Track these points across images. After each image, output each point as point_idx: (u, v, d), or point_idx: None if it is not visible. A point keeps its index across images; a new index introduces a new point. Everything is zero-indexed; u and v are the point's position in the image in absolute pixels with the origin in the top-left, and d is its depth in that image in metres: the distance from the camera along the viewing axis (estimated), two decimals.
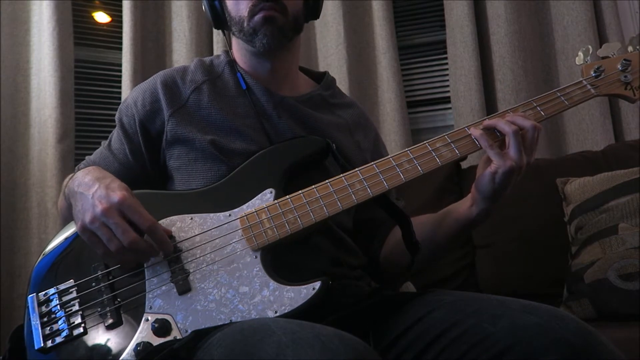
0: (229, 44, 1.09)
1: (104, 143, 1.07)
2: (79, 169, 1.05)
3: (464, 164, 1.79)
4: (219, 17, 1.03)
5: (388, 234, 1.07)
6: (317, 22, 2.16)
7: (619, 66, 0.96)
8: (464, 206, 0.93)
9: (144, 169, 1.02)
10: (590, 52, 0.97)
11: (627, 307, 1.22)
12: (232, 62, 1.05)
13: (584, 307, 1.28)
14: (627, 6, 1.95)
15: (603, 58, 0.98)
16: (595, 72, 0.96)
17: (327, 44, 2.12)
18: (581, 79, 0.96)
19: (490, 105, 1.96)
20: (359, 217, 1.07)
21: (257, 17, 0.96)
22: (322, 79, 1.12)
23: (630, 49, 0.98)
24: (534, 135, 0.85)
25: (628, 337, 1.01)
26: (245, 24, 0.97)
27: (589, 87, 0.95)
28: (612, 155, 1.58)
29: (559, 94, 0.94)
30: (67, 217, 0.93)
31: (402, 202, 1.10)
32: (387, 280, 1.09)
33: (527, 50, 1.94)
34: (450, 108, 2.10)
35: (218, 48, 2.10)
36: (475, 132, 0.88)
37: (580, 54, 0.98)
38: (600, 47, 0.99)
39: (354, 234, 1.04)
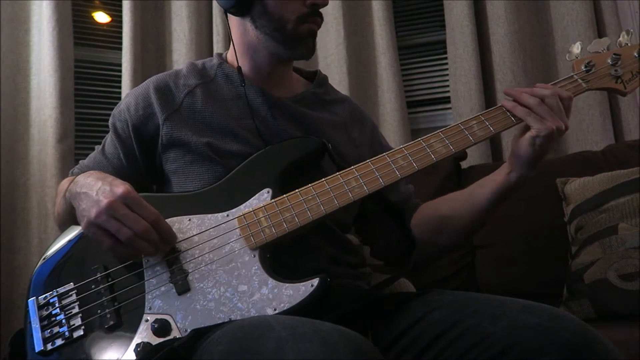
0: (230, 30, 1.03)
1: (98, 148, 1.07)
2: (72, 174, 1.05)
3: (464, 164, 1.79)
4: (245, 1, 0.95)
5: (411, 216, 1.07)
6: None
7: (609, 61, 0.98)
8: (500, 175, 0.95)
9: (139, 173, 1.02)
10: (580, 48, 0.99)
11: (627, 307, 1.21)
12: (223, 65, 1.04)
13: (584, 307, 1.28)
14: (627, 6, 1.95)
15: (593, 53, 1.00)
16: (585, 66, 0.98)
17: (327, 44, 2.12)
18: (572, 73, 0.98)
19: (490, 105, 1.96)
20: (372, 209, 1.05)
21: (305, 27, 0.95)
22: (315, 77, 1.12)
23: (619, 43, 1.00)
24: (556, 101, 0.89)
25: (628, 337, 1.01)
26: (289, 26, 0.95)
27: (580, 81, 0.97)
28: (612, 155, 1.57)
29: None
30: (65, 221, 0.94)
31: (410, 186, 1.10)
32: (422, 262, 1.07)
33: (527, 51, 1.94)
34: (450, 108, 2.10)
35: (218, 48, 2.10)
36: (508, 104, 0.92)
37: (571, 50, 1.00)
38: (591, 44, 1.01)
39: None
